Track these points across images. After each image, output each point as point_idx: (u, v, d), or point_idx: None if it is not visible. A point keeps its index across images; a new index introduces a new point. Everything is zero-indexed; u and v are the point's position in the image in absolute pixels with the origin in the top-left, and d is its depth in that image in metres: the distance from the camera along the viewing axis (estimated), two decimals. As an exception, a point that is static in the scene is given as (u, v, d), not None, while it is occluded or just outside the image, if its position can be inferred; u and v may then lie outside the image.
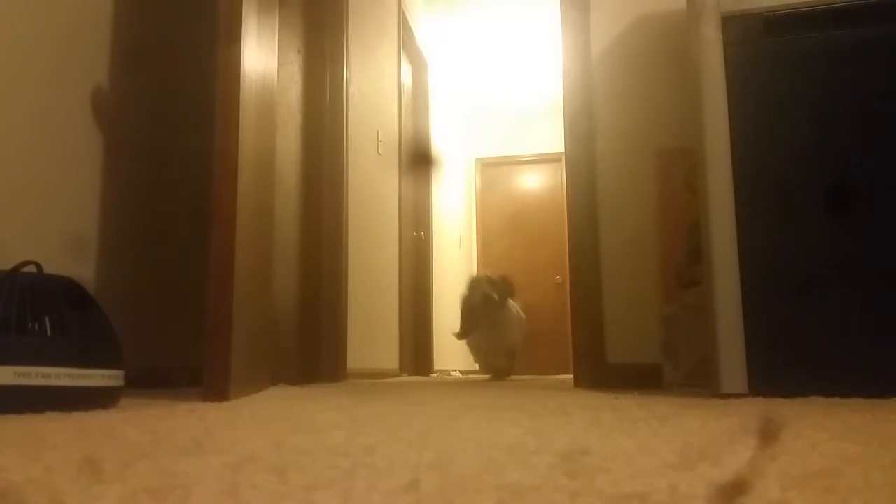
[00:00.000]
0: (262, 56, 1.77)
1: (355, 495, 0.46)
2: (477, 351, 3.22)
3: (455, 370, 5.39)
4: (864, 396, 1.41)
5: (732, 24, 1.69)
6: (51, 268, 1.26)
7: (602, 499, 0.45)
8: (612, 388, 2.13)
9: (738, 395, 1.54)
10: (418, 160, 4.80)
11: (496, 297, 3.00)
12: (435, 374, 4.65)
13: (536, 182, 7.23)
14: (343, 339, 2.82)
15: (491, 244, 7.14)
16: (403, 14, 4.34)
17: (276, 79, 1.94)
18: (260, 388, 1.75)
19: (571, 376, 2.47)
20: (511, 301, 3.19)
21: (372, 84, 3.58)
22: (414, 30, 4.67)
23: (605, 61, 2.46)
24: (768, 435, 0.80)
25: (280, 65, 2.25)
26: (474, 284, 3.10)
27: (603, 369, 2.30)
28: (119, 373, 1.26)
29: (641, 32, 2.45)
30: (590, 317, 2.34)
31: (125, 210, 2.06)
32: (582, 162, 2.42)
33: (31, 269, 1.22)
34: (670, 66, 2.38)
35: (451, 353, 5.58)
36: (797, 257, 1.60)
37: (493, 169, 7.34)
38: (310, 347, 2.70)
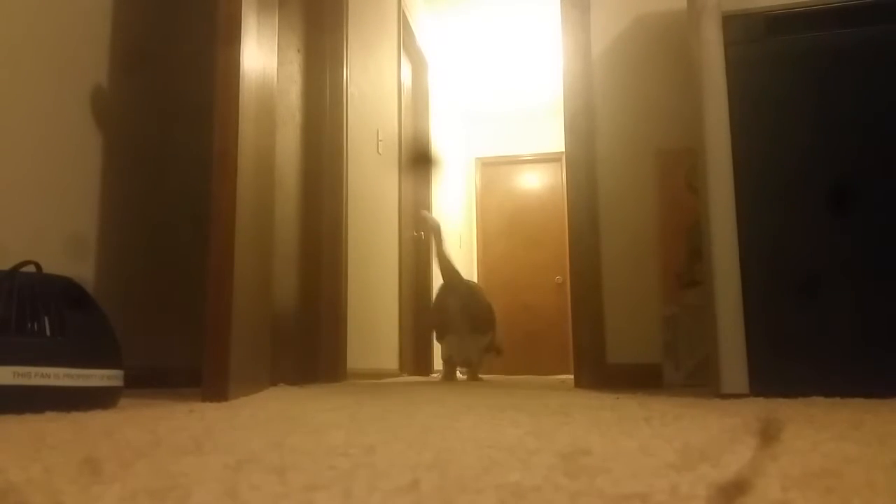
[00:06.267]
0: (261, 56, 1.76)
1: (355, 496, 0.46)
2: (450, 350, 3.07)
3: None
4: (865, 396, 1.41)
5: (734, 24, 1.69)
6: (50, 267, 1.26)
7: (603, 499, 0.45)
8: (612, 388, 2.13)
9: (739, 396, 1.54)
10: (418, 160, 4.80)
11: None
12: (435, 374, 4.65)
13: (537, 182, 7.22)
14: (343, 338, 2.82)
15: (491, 244, 7.14)
16: (403, 13, 4.33)
17: (275, 78, 1.94)
18: (259, 388, 1.75)
19: (572, 376, 2.47)
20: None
21: (372, 83, 3.58)
22: (414, 29, 4.67)
23: (605, 60, 2.46)
24: (769, 435, 0.80)
25: (280, 64, 2.25)
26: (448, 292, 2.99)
27: (604, 369, 2.30)
28: (118, 373, 1.26)
29: (642, 32, 2.44)
30: (590, 317, 2.34)
31: (125, 210, 2.05)
32: (582, 162, 2.42)
33: (31, 268, 1.21)
34: (671, 66, 2.38)
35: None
36: (799, 257, 1.60)
37: (493, 168, 7.33)
38: (309, 347, 2.70)
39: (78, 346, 1.17)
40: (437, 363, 4.87)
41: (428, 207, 4.94)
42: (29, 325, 1.13)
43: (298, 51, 2.83)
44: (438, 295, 3.04)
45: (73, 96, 1.85)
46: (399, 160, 4.15)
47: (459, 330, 2.94)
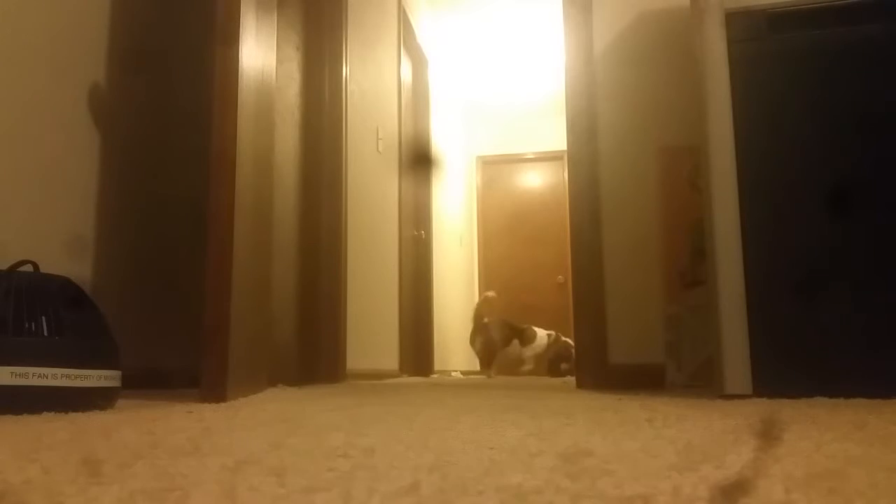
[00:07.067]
0: (260, 54, 1.76)
1: (355, 498, 0.46)
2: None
3: (456, 371, 5.38)
4: (868, 397, 1.40)
5: (736, 21, 1.68)
6: (48, 267, 1.26)
7: (604, 501, 0.45)
8: (615, 388, 2.12)
9: (742, 396, 1.53)
10: (419, 158, 4.80)
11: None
12: (435, 375, 4.64)
13: (538, 180, 7.22)
14: (342, 339, 2.82)
15: (492, 243, 7.14)
16: (403, 10, 4.33)
17: (274, 76, 1.93)
18: (258, 389, 1.74)
19: (573, 377, 2.47)
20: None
21: (372, 81, 3.57)
22: (414, 26, 4.66)
23: (607, 58, 2.46)
24: (772, 436, 0.80)
25: (278, 62, 2.25)
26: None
27: (606, 370, 2.29)
28: (116, 373, 1.26)
29: (644, 29, 2.44)
30: (592, 317, 2.33)
31: (123, 209, 2.05)
32: (584, 160, 2.41)
33: (28, 268, 1.21)
34: (673, 64, 2.37)
35: (452, 353, 5.58)
36: (802, 257, 1.60)
37: (494, 167, 7.33)
38: (309, 348, 2.69)
39: (75, 346, 1.16)
40: (438, 364, 4.88)
41: (428, 206, 4.93)
42: (26, 325, 1.13)
43: (297, 48, 2.82)
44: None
45: (71, 95, 1.84)
46: (399, 159, 4.15)
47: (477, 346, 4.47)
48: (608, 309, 2.33)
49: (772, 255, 1.61)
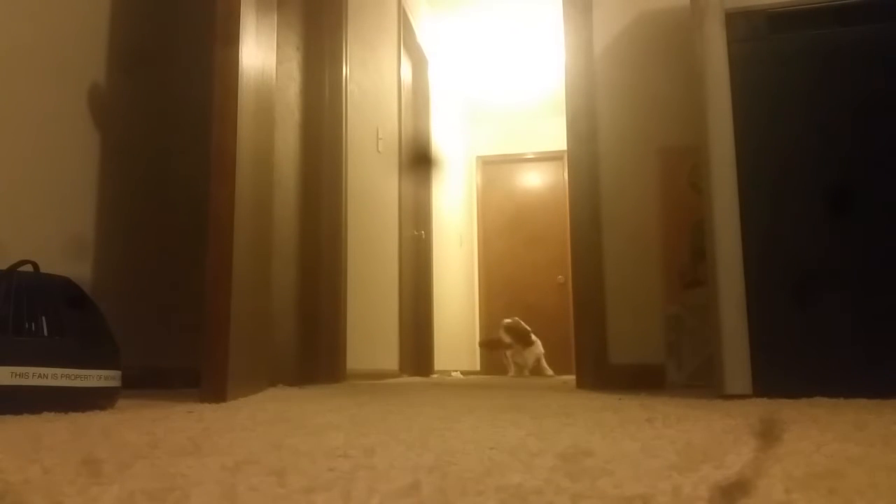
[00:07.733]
0: (260, 54, 1.76)
1: (355, 498, 0.46)
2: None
3: (456, 371, 5.38)
4: (868, 397, 1.40)
5: (736, 21, 1.69)
6: (48, 267, 1.26)
7: (604, 501, 0.45)
8: (615, 388, 2.12)
9: (742, 396, 1.53)
10: (418, 158, 4.80)
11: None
12: (435, 375, 4.64)
13: (538, 180, 7.22)
14: (342, 339, 2.82)
15: (492, 243, 7.14)
16: (404, 10, 4.33)
17: (274, 76, 1.93)
18: (258, 389, 1.74)
19: (574, 377, 2.47)
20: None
21: (372, 81, 3.57)
22: (414, 26, 4.66)
23: (607, 58, 2.46)
24: (772, 436, 0.80)
25: (278, 62, 2.25)
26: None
27: (606, 370, 2.29)
28: (116, 373, 1.26)
29: (644, 29, 2.44)
30: (592, 317, 2.33)
31: (123, 209, 2.05)
32: (584, 160, 2.41)
33: (28, 268, 1.21)
34: (674, 63, 2.37)
35: (452, 353, 5.58)
36: (802, 256, 1.60)
37: (494, 167, 7.32)
38: (309, 348, 2.69)
39: (76, 346, 1.16)
40: (438, 364, 4.88)
41: (428, 206, 4.94)
42: (27, 325, 1.13)
43: (297, 48, 2.82)
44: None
45: (71, 96, 1.84)
46: (399, 158, 4.15)
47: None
48: (608, 309, 2.33)
49: (772, 254, 1.61)
